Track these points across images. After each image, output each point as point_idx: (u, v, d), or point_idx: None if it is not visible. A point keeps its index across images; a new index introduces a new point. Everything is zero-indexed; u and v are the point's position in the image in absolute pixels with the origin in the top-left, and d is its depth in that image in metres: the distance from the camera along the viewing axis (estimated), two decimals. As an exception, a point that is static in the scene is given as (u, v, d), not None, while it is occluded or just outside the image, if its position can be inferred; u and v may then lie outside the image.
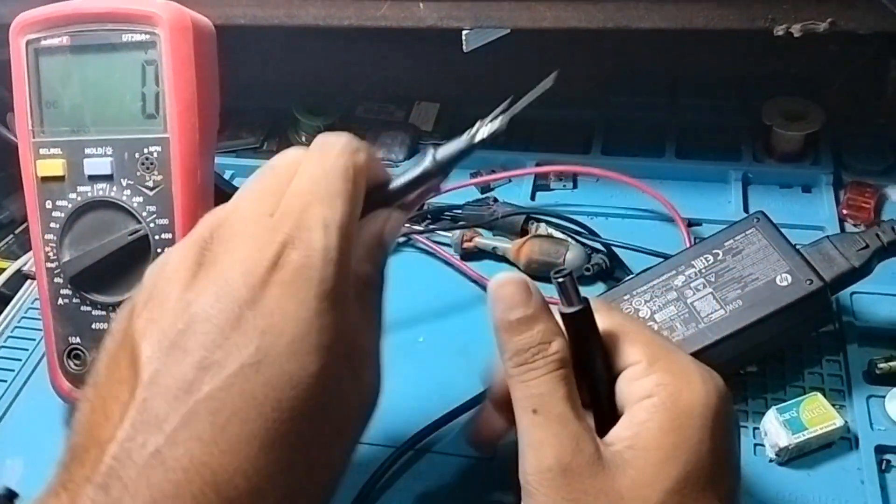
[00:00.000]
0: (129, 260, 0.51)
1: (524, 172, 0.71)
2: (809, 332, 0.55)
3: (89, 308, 0.53)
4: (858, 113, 0.73)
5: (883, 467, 0.50)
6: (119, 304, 0.51)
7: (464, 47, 0.61)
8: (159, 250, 0.51)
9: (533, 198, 0.71)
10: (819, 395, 0.51)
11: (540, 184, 0.72)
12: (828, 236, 0.52)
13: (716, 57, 0.76)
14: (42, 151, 0.52)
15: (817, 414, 0.50)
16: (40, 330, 0.64)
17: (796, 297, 0.49)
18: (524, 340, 0.37)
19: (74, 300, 0.53)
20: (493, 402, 0.43)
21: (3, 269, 0.75)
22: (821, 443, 0.50)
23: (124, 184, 0.51)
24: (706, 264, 0.52)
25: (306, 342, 0.32)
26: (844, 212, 0.66)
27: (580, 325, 0.38)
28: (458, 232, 0.66)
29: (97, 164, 0.52)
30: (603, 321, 0.39)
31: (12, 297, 0.70)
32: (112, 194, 0.52)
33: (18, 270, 0.73)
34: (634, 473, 0.34)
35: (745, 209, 0.67)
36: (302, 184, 0.36)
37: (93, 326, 0.53)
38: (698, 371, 0.37)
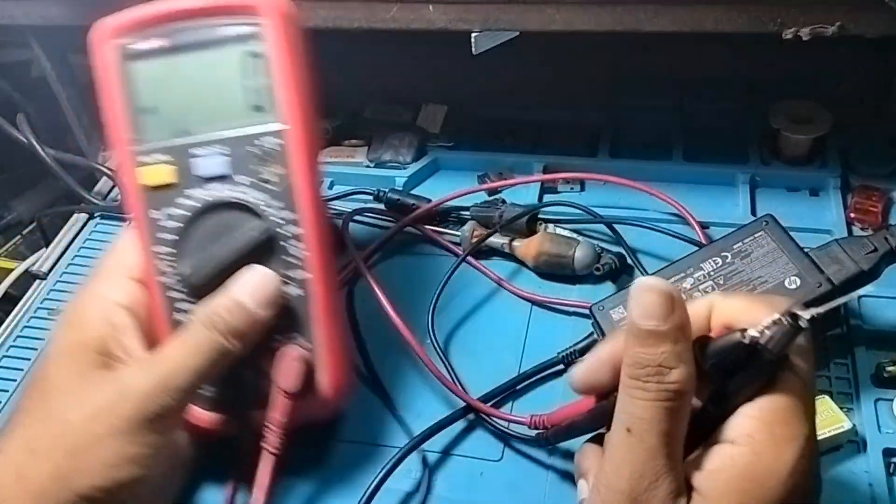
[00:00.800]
0: (253, 262, 0.48)
1: (532, 180, 0.71)
2: (817, 335, 0.55)
3: None
4: (866, 116, 0.73)
5: (891, 470, 0.50)
6: None
7: (473, 50, 0.61)
8: (282, 243, 0.48)
9: (540, 199, 0.71)
10: (827, 397, 0.51)
11: (548, 186, 0.72)
12: (836, 239, 0.52)
13: (724, 60, 0.76)
14: (143, 160, 0.49)
15: (825, 417, 0.50)
16: (50, 329, 0.65)
17: (806, 300, 0.49)
18: (646, 356, 0.34)
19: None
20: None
21: (11, 270, 0.76)
22: (829, 446, 0.50)
23: (242, 181, 0.49)
24: (715, 267, 0.52)
25: None
26: (852, 215, 0.66)
27: (764, 369, 0.35)
28: (467, 226, 0.66)
29: (210, 164, 0.49)
30: None
31: (21, 297, 0.70)
32: (231, 193, 0.49)
33: (26, 271, 0.74)
34: None
35: (753, 212, 0.67)
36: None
37: None
38: (802, 435, 0.35)
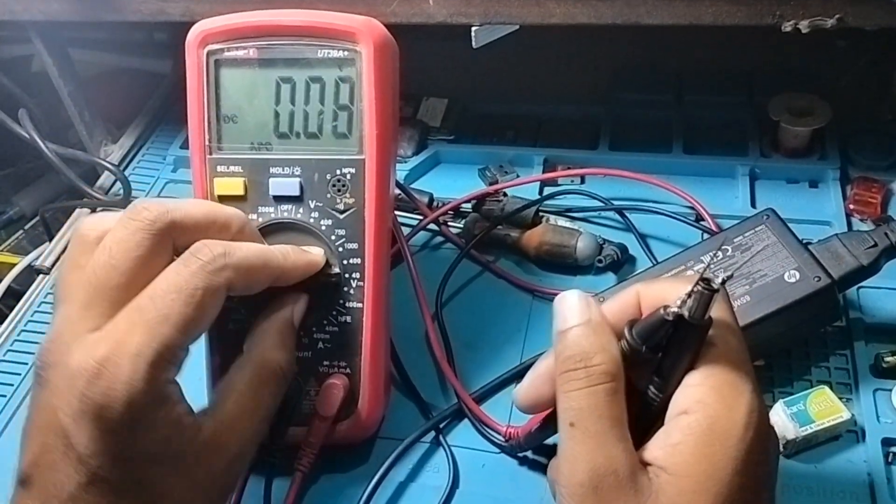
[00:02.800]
0: (314, 292, 0.49)
1: (533, 179, 0.71)
2: (817, 328, 0.55)
3: None
4: (865, 108, 0.74)
5: (889, 459, 0.50)
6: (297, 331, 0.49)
7: (473, 43, 0.61)
8: (347, 276, 0.49)
9: (541, 192, 0.71)
10: (826, 388, 0.52)
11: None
12: (837, 234, 0.52)
13: (723, 52, 0.76)
14: (220, 169, 0.50)
15: (824, 407, 0.50)
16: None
17: (804, 294, 0.50)
18: (570, 351, 0.36)
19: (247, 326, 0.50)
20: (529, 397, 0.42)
21: (14, 265, 0.76)
22: (828, 436, 0.50)
23: (312, 206, 0.49)
24: (715, 260, 0.52)
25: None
26: (851, 207, 0.66)
27: (691, 336, 0.35)
28: (469, 217, 0.66)
29: (284, 184, 0.49)
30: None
31: (24, 292, 0.71)
32: (299, 216, 0.49)
33: (29, 265, 0.74)
34: (665, 500, 0.34)
35: (753, 204, 0.67)
36: (140, 299, 0.39)
37: None
38: (748, 390, 0.35)
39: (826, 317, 0.54)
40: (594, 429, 0.35)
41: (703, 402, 0.35)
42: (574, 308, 0.37)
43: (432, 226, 0.68)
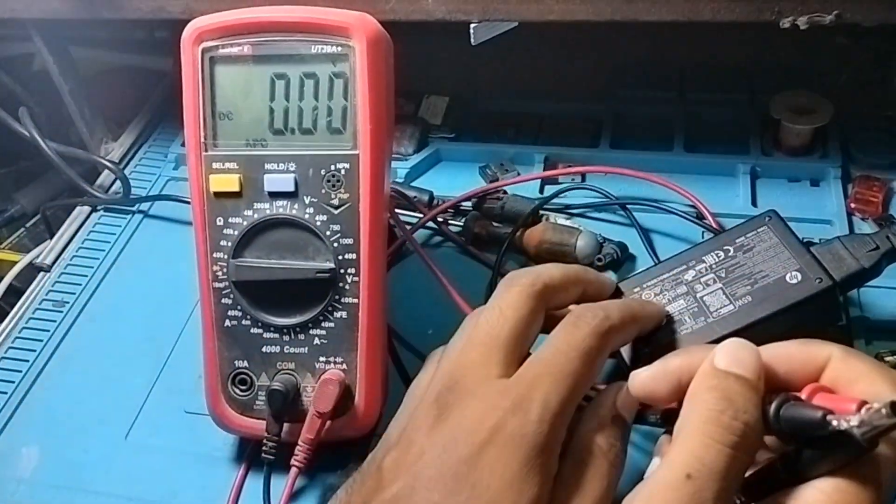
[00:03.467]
0: (309, 287, 0.49)
1: (533, 177, 0.71)
2: (818, 329, 0.55)
3: (260, 331, 0.50)
4: (867, 106, 0.73)
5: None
6: (293, 326, 0.50)
7: (472, 40, 0.61)
8: (342, 271, 0.49)
9: (542, 190, 0.71)
10: (826, 386, 0.51)
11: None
12: (839, 237, 0.52)
13: (723, 50, 0.76)
14: (216, 165, 0.50)
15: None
16: (55, 321, 0.65)
17: (805, 295, 0.50)
18: (728, 405, 0.35)
19: (244, 322, 0.51)
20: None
21: (15, 263, 0.76)
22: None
23: (307, 201, 0.49)
24: (717, 260, 0.52)
25: (505, 499, 0.36)
26: (852, 205, 0.66)
27: (849, 453, 0.33)
28: (469, 216, 0.66)
29: (279, 180, 0.49)
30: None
31: (25, 289, 0.71)
32: (294, 212, 0.49)
33: (30, 263, 0.74)
34: None
35: (754, 203, 0.67)
36: (542, 354, 0.41)
37: (263, 350, 0.51)
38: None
39: (827, 318, 0.54)
40: (707, 495, 0.34)
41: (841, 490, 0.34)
42: (748, 358, 0.37)
43: (432, 224, 0.67)
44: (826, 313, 0.53)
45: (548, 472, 0.38)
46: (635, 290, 0.52)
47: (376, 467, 0.40)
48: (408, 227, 0.64)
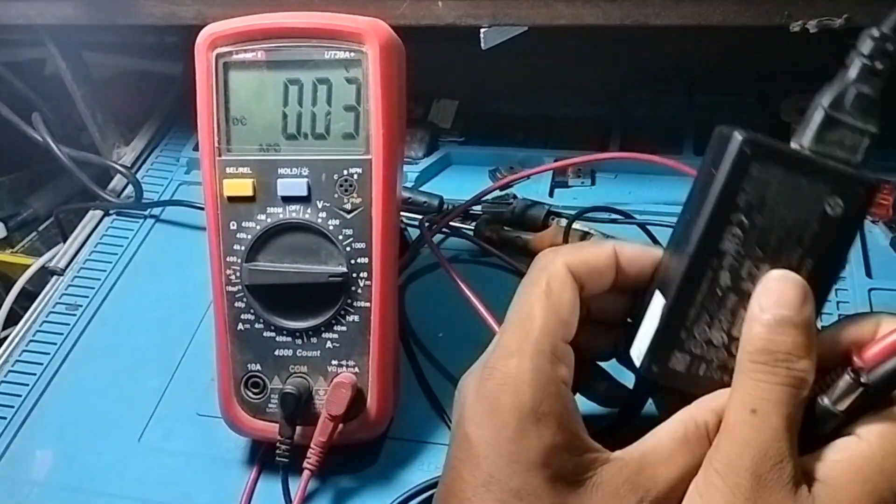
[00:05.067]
0: (322, 291, 0.50)
1: (542, 170, 0.71)
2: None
3: (273, 334, 0.51)
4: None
5: None
6: (305, 330, 0.50)
7: (482, 45, 0.61)
8: (355, 275, 0.50)
9: (551, 194, 0.71)
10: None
11: (558, 180, 0.72)
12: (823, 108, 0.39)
13: (734, 53, 0.76)
14: (229, 170, 0.50)
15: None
16: (68, 325, 0.65)
17: (860, 208, 0.37)
18: (777, 343, 0.35)
19: (257, 325, 0.51)
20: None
21: (28, 266, 0.77)
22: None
23: (320, 206, 0.50)
24: (739, 241, 0.37)
25: None
26: (863, 208, 0.65)
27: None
28: (480, 220, 0.67)
29: (292, 184, 0.50)
30: None
31: (37, 293, 0.71)
32: (307, 217, 0.50)
33: (43, 267, 0.74)
34: None
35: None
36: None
37: (276, 353, 0.51)
38: None
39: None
40: (775, 423, 0.34)
41: (883, 435, 0.35)
42: (793, 295, 0.35)
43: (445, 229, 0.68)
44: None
45: None
46: (682, 335, 0.38)
47: None
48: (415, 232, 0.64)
